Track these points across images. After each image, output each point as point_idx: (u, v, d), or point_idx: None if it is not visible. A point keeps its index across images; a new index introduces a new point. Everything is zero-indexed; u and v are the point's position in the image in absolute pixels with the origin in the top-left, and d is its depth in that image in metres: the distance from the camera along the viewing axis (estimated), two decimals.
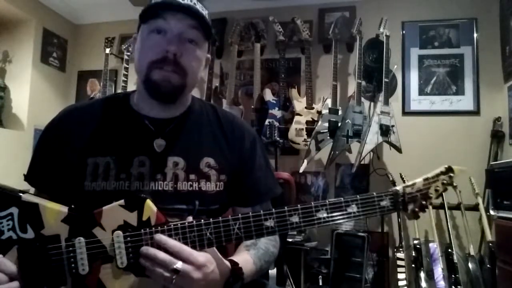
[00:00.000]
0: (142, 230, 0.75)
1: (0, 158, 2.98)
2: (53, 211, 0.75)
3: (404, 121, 2.87)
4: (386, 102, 2.70)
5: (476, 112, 2.83)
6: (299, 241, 2.62)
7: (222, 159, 0.93)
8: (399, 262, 2.47)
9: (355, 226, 2.91)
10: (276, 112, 2.89)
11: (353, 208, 0.76)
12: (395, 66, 2.94)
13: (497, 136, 2.66)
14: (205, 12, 0.90)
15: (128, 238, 0.74)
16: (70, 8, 3.50)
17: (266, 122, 2.83)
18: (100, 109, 0.95)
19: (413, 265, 2.46)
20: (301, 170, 2.76)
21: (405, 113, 2.96)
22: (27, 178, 0.94)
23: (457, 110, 2.86)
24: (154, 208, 0.76)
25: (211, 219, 0.76)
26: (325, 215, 0.76)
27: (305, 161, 2.73)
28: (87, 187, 0.86)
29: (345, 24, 3.05)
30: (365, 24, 2.88)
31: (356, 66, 2.78)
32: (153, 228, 0.75)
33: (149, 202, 0.76)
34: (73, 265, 0.73)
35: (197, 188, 0.89)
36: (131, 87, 3.46)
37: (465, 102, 2.86)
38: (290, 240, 2.60)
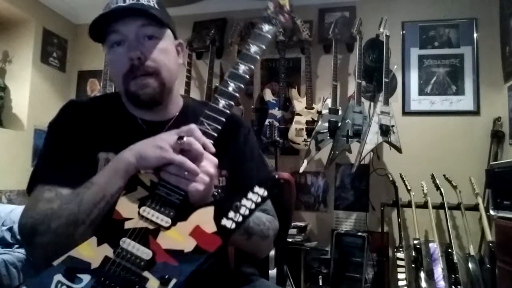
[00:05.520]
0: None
1: (0, 158, 2.98)
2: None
3: (404, 121, 2.87)
4: (386, 102, 2.70)
5: (476, 112, 2.83)
6: (299, 241, 2.62)
7: (221, 154, 0.88)
8: (399, 262, 2.47)
9: (355, 226, 2.91)
10: (276, 112, 2.89)
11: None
12: (395, 66, 2.94)
13: (497, 136, 2.66)
14: (152, 3, 0.88)
15: None
16: (70, 8, 3.50)
17: (266, 122, 2.83)
18: (100, 106, 0.97)
19: (413, 265, 2.45)
20: (301, 170, 2.76)
21: (405, 113, 2.96)
22: (37, 175, 0.87)
23: (457, 110, 2.86)
24: None
25: None
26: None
27: (305, 161, 2.73)
28: None
29: (345, 24, 3.05)
30: (365, 24, 2.88)
31: (356, 66, 2.78)
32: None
33: None
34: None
35: None
36: None
37: (465, 102, 2.86)
38: (290, 240, 2.60)
